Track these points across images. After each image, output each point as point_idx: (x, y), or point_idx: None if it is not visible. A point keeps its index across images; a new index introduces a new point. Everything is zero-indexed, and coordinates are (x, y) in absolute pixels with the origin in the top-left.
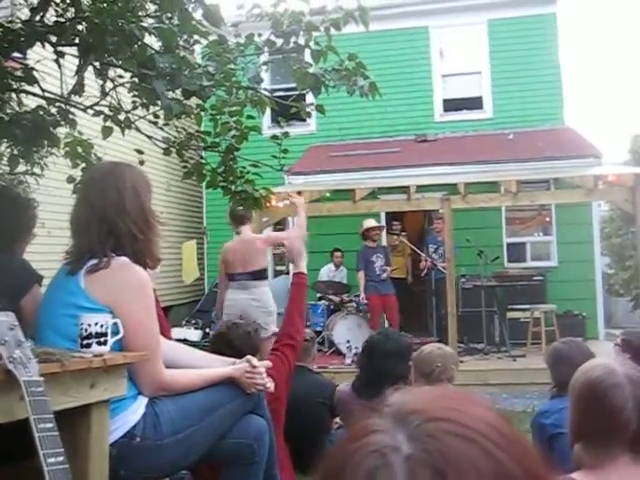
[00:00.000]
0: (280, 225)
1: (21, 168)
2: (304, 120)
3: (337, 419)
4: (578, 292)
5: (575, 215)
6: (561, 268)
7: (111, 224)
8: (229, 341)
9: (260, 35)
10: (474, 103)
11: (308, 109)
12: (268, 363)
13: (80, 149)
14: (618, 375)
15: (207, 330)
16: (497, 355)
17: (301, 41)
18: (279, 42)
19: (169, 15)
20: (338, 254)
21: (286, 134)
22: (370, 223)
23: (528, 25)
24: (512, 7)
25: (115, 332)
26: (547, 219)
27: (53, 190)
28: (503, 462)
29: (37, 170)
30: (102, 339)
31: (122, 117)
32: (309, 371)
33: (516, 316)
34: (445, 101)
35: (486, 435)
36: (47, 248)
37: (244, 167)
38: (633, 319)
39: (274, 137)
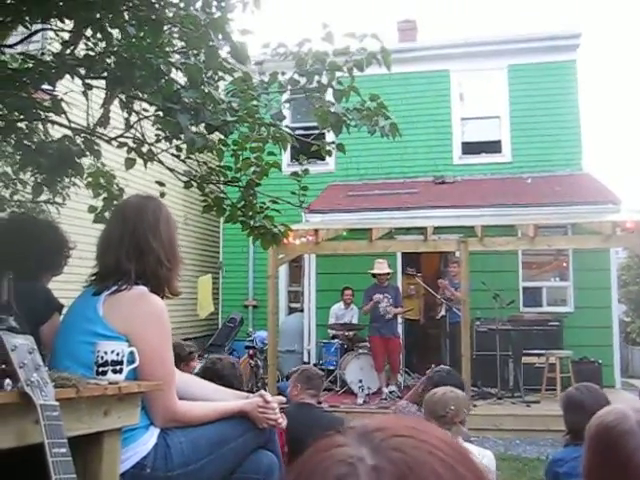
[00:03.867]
0: (296, 262)
1: (43, 197)
2: (323, 159)
3: None
4: (594, 339)
5: (593, 261)
6: (577, 314)
7: (142, 243)
8: (218, 371)
9: (284, 73)
10: (493, 147)
11: (328, 147)
12: (281, 398)
13: (102, 179)
14: (630, 421)
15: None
16: (511, 400)
17: (324, 80)
18: (302, 81)
19: (195, 52)
20: (348, 292)
21: (306, 171)
22: (379, 268)
23: (548, 71)
24: (532, 53)
25: (131, 361)
26: (564, 264)
27: (73, 220)
28: (462, 475)
29: (58, 199)
30: (118, 367)
31: (145, 149)
32: (316, 408)
33: (531, 361)
34: (464, 144)
35: (445, 451)
36: (64, 277)
37: (264, 203)
38: None
39: (294, 174)
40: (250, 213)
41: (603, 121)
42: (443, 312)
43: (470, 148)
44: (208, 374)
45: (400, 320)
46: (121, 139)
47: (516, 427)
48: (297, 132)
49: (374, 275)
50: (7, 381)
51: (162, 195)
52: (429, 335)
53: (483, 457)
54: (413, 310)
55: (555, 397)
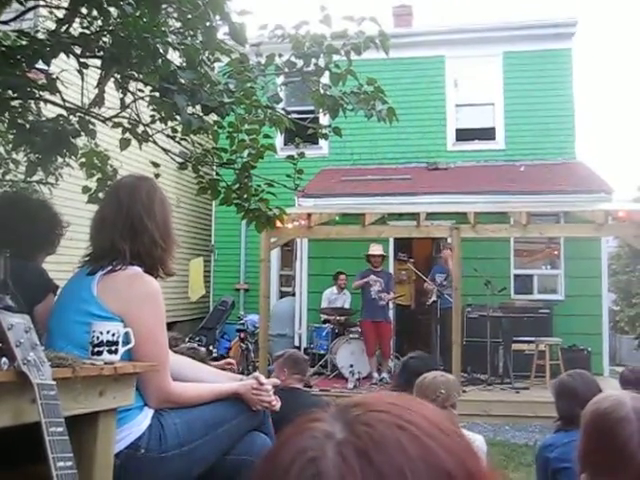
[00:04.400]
0: (288, 246)
1: (35, 177)
2: (317, 143)
3: None
4: (584, 327)
5: (584, 250)
6: (568, 302)
7: (137, 223)
8: None
9: (281, 56)
10: (486, 134)
11: (325, 131)
12: (276, 380)
13: (96, 160)
14: (626, 408)
15: (211, 347)
16: (500, 386)
17: (321, 63)
18: (299, 63)
19: (192, 32)
20: (342, 277)
21: (302, 154)
22: (374, 250)
23: (543, 59)
24: (528, 41)
25: (126, 341)
26: (555, 252)
27: (65, 200)
28: (434, 450)
29: (51, 180)
30: (113, 347)
31: (140, 130)
32: (303, 392)
33: (521, 348)
34: (458, 131)
35: (419, 425)
36: (55, 258)
37: (259, 185)
38: (637, 357)
39: (290, 157)
40: (245, 196)
41: (597, 110)
42: (434, 298)
43: (464, 135)
44: None
45: (391, 306)
46: (116, 119)
47: (505, 413)
48: (292, 116)
49: (368, 259)
50: (3, 360)
51: (157, 176)
52: (420, 321)
53: (474, 441)
54: (404, 296)
55: (544, 384)
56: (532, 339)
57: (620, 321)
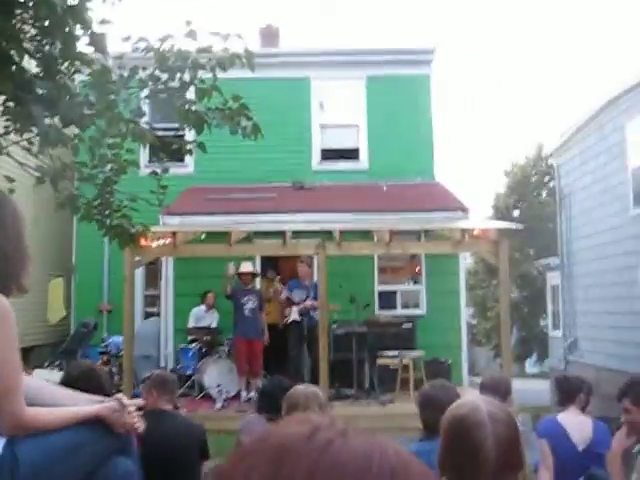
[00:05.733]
0: (153, 264)
1: None
2: (182, 161)
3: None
4: (445, 340)
5: (443, 265)
6: (429, 316)
7: None
8: (92, 376)
9: (145, 69)
10: (351, 154)
11: (189, 146)
12: (140, 402)
13: None
14: (481, 413)
15: (63, 374)
16: (367, 401)
17: (186, 78)
18: (164, 77)
19: (50, 41)
20: (210, 295)
21: (166, 170)
22: (243, 268)
23: (404, 84)
24: (389, 65)
25: None
26: (417, 268)
27: None
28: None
29: None
30: None
31: None
32: (172, 414)
33: (386, 362)
34: (323, 151)
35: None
36: None
37: (121, 201)
38: (493, 367)
39: (153, 172)
40: (107, 212)
41: (456, 132)
42: (296, 317)
43: (329, 154)
44: (81, 381)
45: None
46: None
47: (372, 426)
48: (157, 132)
49: (239, 277)
50: None
51: (11, 191)
52: (286, 339)
53: None
54: (271, 314)
55: (409, 396)
56: (396, 353)
57: (477, 334)
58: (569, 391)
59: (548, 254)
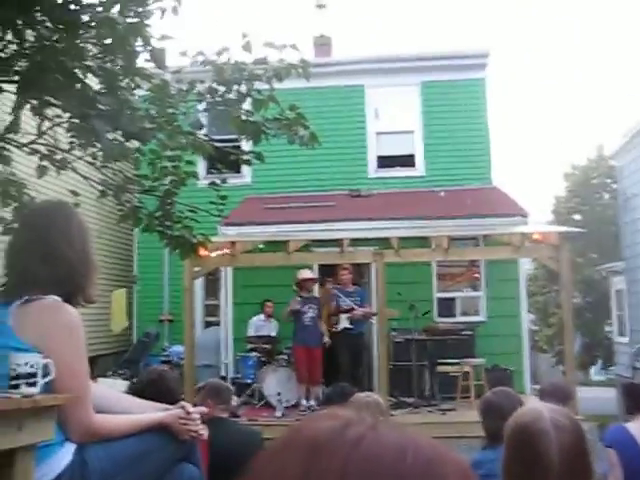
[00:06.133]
0: (212, 275)
1: None
2: (239, 172)
3: None
4: (505, 347)
5: (503, 272)
6: (489, 323)
7: (54, 249)
8: (164, 383)
9: (202, 82)
10: (407, 161)
11: (247, 157)
12: (203, 409)
13: (12, 188)
14: (544, 420)
15: (134, 381)
16: (427, 409)
17: (243, 90)
18: (221, 90)
19: (111, 57)
20: (269, 304)
21: (224, 180)
22: (305, 274)
23: (458, 88)
24: (444, 71)
25: (45, 374)
26: (476, 275)
27: None
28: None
29: None
30: (31, 380)
31: (59, 157)
32: (230, 421)
33: (446, 370)
34: (379, 158)
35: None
36: None
37: (182, 212)
38: (555, 374)
39: (212, 183)
40: (168, 223)
41: (514, 136)
42: (346, 324)
43: (385, 162)
44: (152, 388)
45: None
46: (33, 146)
47: (432, 434)
48: (215, 144)
49: (299, 287)
50: None
51: (76, 205)
52: (337, 347)
53: None
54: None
55: (469, 404)
56: (456, 361)
57: (539, 340)
58: (638, 398)
59: (611, 258)
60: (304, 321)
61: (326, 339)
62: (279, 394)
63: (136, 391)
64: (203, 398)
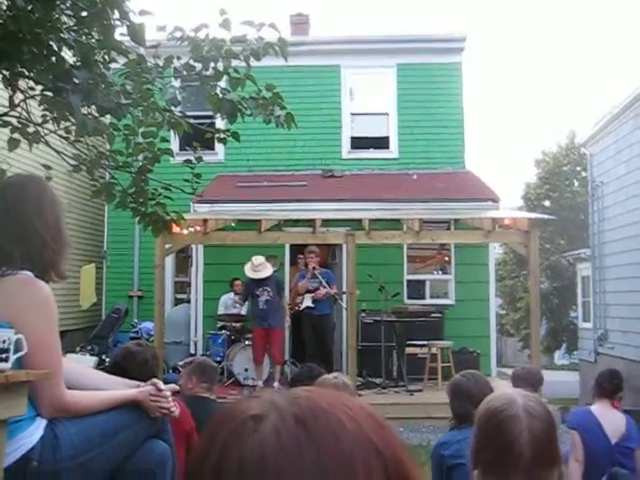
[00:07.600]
0: (183, 252)
1: None
2: (212, 149)
3: None
4: (473, 330)
5: (473, 256)
6: (458, 306)
7: (26, 225)
8: (125, 372)
9: (179, 58)
10: (381, 143)
11: (223, 135)
12: (175, 387)
13: None
14: (517, 407)
15: (103, 357)
16: (395, 389)
17: (220, 67)
18: (198, 67)
19: (87, 31)
20: (238, 282)
21: (200, 158)
22: (256, 260)
23: (434, 72)
24: (420, 53)
25: (17, 349)
26: (446, 258)
27: None
28: (368, 429)
29: None
30: (3, 355)
31: (31, 130)
32: (211, 400)
33: (414, 352)
34: (353, 139)
35: (357, 411)
36: None
37: (155, 189)
38: (521, 358)
39: (188, 161)
40: (141, 200)
41: (487, 121)
42: (309, 303)
43: (359, 143)
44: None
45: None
46: (5, 118)
47: (400, 415)
48: (189, 120)
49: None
50: None
51: (49, 179)
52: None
53: None
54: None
55: (436, 386)
56: (425, 343)
57: (506, 324)
58: (612, 388)
59: (579, 245)
60: (258, 304)
61: (287, 319)
62: (246, 370)
63: (114, 365)
64: (188, 374)
